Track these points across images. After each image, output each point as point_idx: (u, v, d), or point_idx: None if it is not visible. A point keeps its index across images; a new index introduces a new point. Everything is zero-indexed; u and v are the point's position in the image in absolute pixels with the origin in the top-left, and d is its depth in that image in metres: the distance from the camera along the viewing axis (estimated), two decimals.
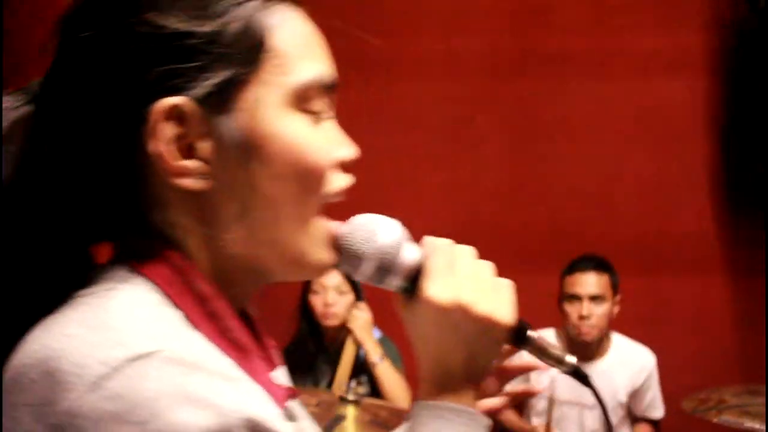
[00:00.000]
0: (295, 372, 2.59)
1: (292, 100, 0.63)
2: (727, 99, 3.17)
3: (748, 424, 1.83)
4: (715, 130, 3.21)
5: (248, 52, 0.61)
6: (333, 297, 2.59)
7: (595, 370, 2.74)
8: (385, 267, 0.70)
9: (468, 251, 0.74)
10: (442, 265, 0.70)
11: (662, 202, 3.23)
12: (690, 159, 3.22)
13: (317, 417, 1.79)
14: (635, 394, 2.77)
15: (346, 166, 0.70)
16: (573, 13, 3.23)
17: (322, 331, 2.69)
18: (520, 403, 2.82)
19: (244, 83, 0.61)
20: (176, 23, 0.58)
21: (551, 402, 2.56)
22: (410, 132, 3.27)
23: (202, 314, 0.60)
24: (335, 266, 0.71)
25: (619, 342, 2.81)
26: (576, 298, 2.66)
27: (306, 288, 2.68)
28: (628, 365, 2.76)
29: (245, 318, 0.73)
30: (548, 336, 2.84)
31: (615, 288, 2.72)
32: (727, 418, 1.95)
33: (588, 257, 2.74)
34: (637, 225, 3.22)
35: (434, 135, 3.27)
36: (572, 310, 2.67)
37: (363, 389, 1.96)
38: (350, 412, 1.87)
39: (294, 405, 0.76)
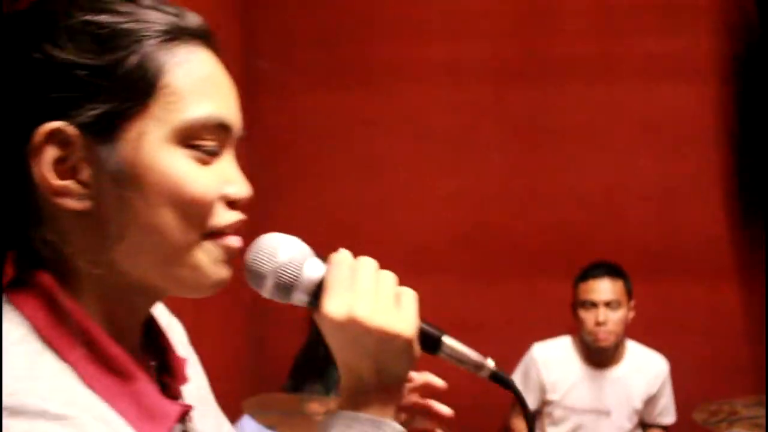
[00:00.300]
0: (305, 379, 2.71)
1: (179, 137, 0.66)
2: (737, 104, 3.12)
3: None
4: (724, 134, 3.16)
5: (139, 86, 0.64)
6: None
7: (611, 377, 2.76)
8: (286, 284, 0.73)
9: (370, 263, 0.75)
10: (340, 280, 0.72)
11: (672, 208, 3.19)
12: (699, 164, 3.18)
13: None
14: (649, 401, 2.77)
15: (237, 204, 0.72)
16: (579, 19, 3.21)
17: None
18: (537, 411, 2.84)
19: (131, 116, 0.64)
20: (68, 54, 0.63)
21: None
22: (415, 139, 3.28)
23: (72, 343, 0.63)
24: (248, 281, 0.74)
25: (633, 349, 2.82)
26: (591, 304, 2.66)
27: None
28: (643, 372, 2.77)
29: (150, 332, 0.78)
30: (564, 344, 2.86)
31: (629, 293, 2.73)
32: (738, 431, 1.94)
33: (601, 264, 2.75)
34: (647, 231, 3.19)
35: (440, 142, 3.27)
36: (588, 316, 2.67)
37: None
38: None
39: (191, 425, 0.78)
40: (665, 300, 3.17)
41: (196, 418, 0.80)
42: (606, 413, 2.73)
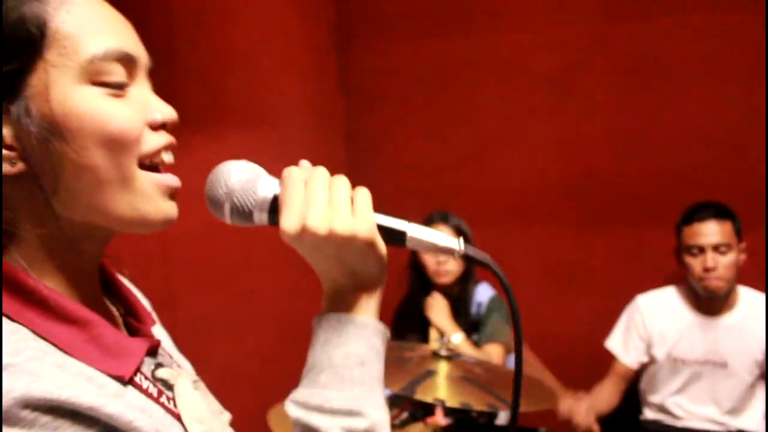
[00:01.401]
0: (406, 330, 2.81)
1: (84, 77, 0.67)
2: None
3: None
4: None
5: (26, 40, 0.65)
6: (443, 257, 2.59)
7: (724, 324, 2.59)
8: (242, 206, 0.76)
9: (321, 174, 0.76)
10: (292, 195, 0.75)
11: None
12: None
13: (412, 371, 1.84)
14: None
15: (165, 127, 0.74)
16: None
17: (435, 288, 2.73)
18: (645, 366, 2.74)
19: (29, 70, 0.66)
20: None
21: None
22: (517, 84, 3.17)
23: (22, 306, 0.67)
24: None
25: (747, 294, 2.61)
26: (698, 249, 2.50)
27: (415, 252, 2.74)
28: (760, 318, 2.54)
29: (106, 279, 0.83)
30: (669, 294, 2.72)
31: (739, 235, 2.52)
32: None
33: (706, 204, 2.56)
34: None
35: (543, 86, 3.14)
36: (695, 263, 2.51)
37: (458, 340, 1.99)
38: (442, 367, 1.86)
39: (167, 360, 0.82)
40: None
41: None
42: (722, 364, 2.56)
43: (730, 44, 2.95)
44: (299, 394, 0.78)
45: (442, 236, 0.80)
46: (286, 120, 2.93)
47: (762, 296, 2.63)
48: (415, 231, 0.80)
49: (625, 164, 3.08)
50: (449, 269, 2.68)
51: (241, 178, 0.76)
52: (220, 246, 2.36)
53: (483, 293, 2.80)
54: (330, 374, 0.77)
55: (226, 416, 0.87)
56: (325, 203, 0.74)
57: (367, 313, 0.80)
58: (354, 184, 0.79)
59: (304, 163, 0.79)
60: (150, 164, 0.73)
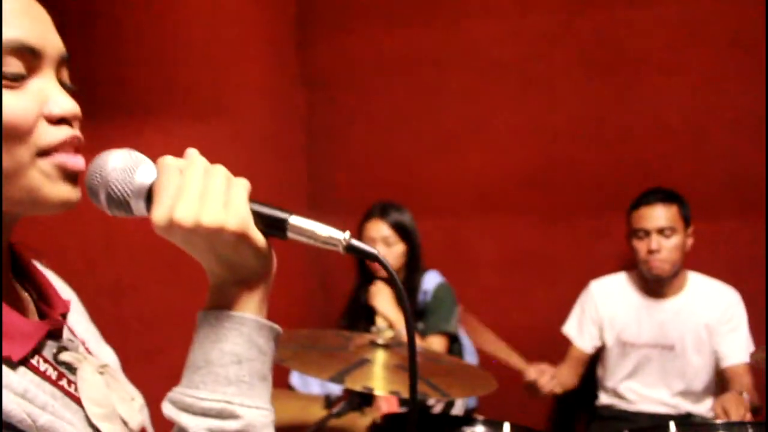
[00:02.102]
0: (355, 321, 2.82)
1: None
2: None
3: None
4: None
5: None
6: (381, 249, 2.64)
7: (670, 308, 2.62)
8: (118, 195, 0.75)
9: (198, 163, 0.75)
10: (165, 185, 0.74)
11: (760, 134, 2.88)
12: None
13: (347, 360, 1.83)
14: (720, 337, 2.56)
15: (65, 121, 0.73)
16: None
17: (379, 279, 2.73)
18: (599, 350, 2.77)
19: None
20: None
21: None
22: (481, 74, 3.15)
23: None
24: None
25: (696, 279, 2.65)
26: (644, 232, 2.54)
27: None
28: (707, 302, 2.59)
29: (19, 264, 0.83)
30: (620, 279, 2.75)
31: (686, 220, 2.56)
32: None
33: (654, 189, 2.60)
34: (733, 162, 2.91)
35: (506, 76, 3.13)
36: (641, 245, 2.55)
37: (391, 334, 1.94)
38: (379, 356, 1.85)
39: (70, 346, 0.82)
40: (751, 235, 2.91)
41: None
42: (669, 347, 2.59)
43: (689, 35, 2.95)
44: (174, 393, 0.77)
45: (324, 228, 0.77)
46: (243, 111, 2.91)
47: (710, 281, 2.66)
48: (296, 221, 0.78)
49: (586, 153, 3.07)
50: (390, 260, 2.66)
51: (117, 166, 0.75)
52: None
53: (430, 281, 2.80)
54: (204, 373, 0.76)
55: (138, 402, 0.87)
56: (197, 194, 0.73)
57: (248, 308, 0.79)
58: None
59: (191, 152, 0.77)
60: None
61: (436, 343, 2.65)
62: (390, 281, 0.70)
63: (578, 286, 2.84)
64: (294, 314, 3.16)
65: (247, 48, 2.99)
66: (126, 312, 2.27)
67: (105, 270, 2.25)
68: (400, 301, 0.84)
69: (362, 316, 2.71)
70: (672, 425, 1.67)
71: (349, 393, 1.94)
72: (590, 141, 3.08)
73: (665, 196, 2.57)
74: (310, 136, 3.29)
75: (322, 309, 3.43)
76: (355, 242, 0.78)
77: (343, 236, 0.77)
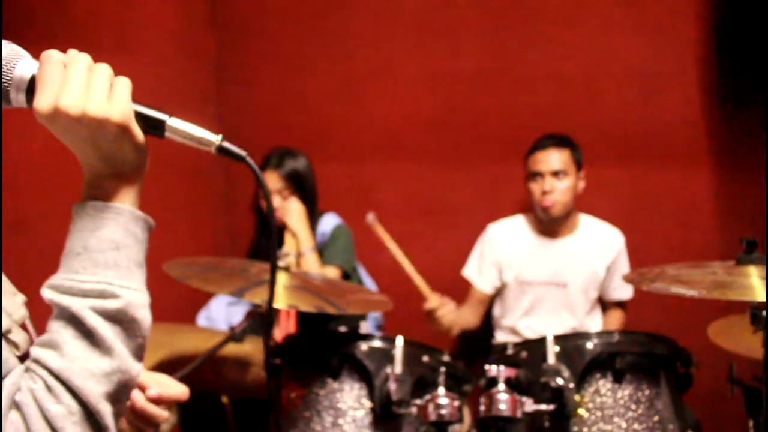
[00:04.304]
0: (258, 256, 2.85)
1: None
2: None
3: (675, 289, 1.83)
4: (707, 11, 3.00)
5: None
6: (277, 201, 2.72)
7: (563, 247, 2.76)
8: None
9: (81, 57, 0.79)
10: (49, 75, 0.76)
11: (649, 89, 3.08)
12: (679, 44, 3.05)
13: (247, 279, 1.88)
14: (606, 274, 2.75)
15: None
16: None
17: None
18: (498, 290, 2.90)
19: None
20: None
21: None
22: (387, 21, 3.21)
23: None
24: None
25: (587, 221, 2.82)
26: (539, 175, 2.67)
27: (256, 193, 2.82)
28: (597, 243, 2.77)
29: None
30: (517, 221, 2.87)
31: (578, 164, 2.71)
32: (658, 286, 1.95)
33: (549, 135, 2.74)
34: (623, 112, 3.10)
35: (412, 24, 3.20)
36: (536, 187, 2.68)
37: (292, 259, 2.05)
38: (280, 277, 1.89)
39: None
40: (640, 182, 3.12)
41: None
42: (563, 285, 2.74)
43: None
44: (54, 279, 0.80)
45: (200, 129, 0.84)
46: (149, 51, 2.87)
47: (600, 222, 2.83)
48: (174, 122, 0.83)
49: (487, 101, 3.18)
50: (285, 211, 2.72)
51: None
52: (71, 170, 2.31)
53: (328, 223, 2.88)
54: (83, 258, 0.79)
55: (21, 297, 0.88)
56: (82, 86, 0.76)
57: (125, 200, 0.82)
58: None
59: (73, 51, 0.80)
60: None
61: (331, 271, 2.72)
62: (258, 183, 0.77)
63: (480, 230, 2.94)
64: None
65: None
66: (30, 247, 2.23)
67: (6, 205, 2.20)
68: (259, 183, 0.90)
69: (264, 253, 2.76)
70: (549, 335, 1.80)
71: (250, 315, 1.98)
72: (490, 89, 3.19)
73: (559, 140, 2.71)
74: (220, 78, 3.28)
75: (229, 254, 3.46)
76: (226, 144, 0.85)
77: (215, 138, 0.84)
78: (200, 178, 3.23)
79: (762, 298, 1.60)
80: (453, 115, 3.22)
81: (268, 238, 0.81)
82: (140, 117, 0.82)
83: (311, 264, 2.64)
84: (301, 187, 2.77)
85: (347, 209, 3.03)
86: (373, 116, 3.26)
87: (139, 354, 0.81)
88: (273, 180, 2.72)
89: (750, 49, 2.93)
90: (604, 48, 3.10)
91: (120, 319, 0.78)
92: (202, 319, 2.96)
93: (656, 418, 1.75)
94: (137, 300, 0.80)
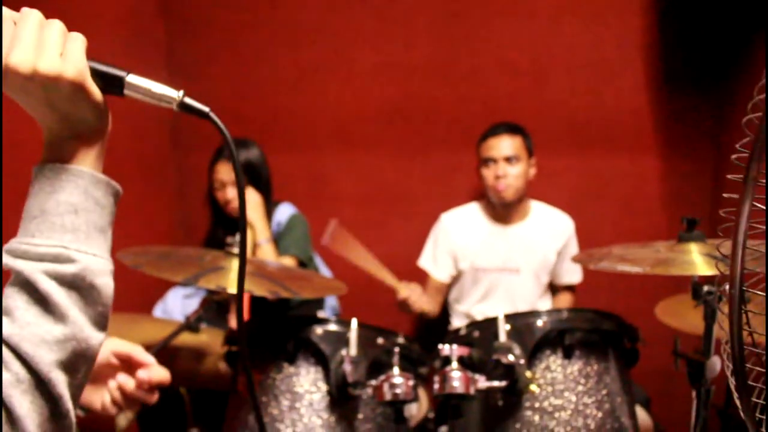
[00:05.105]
0: (218, 238, 2.83)
1: None
2: None
3: (621, 267, 1.87)
4: (652, 1, 3.08)
5: None
6: (232, 192, 2.72)
7: (516, 233, 2.82)
8: None
9: (33, 15, 0.76)
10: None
11: (596, 77, 3.16)
12: (626, 33, 3.14)
13: (202, 266, 1.86)
14: (556, 260, 2.82)
15: None
16: None
17: (231, 220, 2.81)
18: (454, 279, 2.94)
19: None
20: None
21: None
22: (341, 8, 3.23)
23: None
24: None
25: (539, 207, 2.88)
26: (492, 161, 2.72)
27: (210, 186, 2.82)
28: (548, 228, 2.83)
29: None
30: (471, 209, 2.92)
31: (530, 150, 2.77)
32: (604, 264, 2.00)
33: (500, 123, 2.79)
34: (571, 100, 3.18)
35: (365, 10, 3.23)
36: (488, 173, 2.73)
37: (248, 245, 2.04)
38: (233, 263, 1.90)
39: None
40: (589, 169, 3.20)
41: None
42: (516, 270, 2.79)
43: None
44: (10, 243, 0.77)
45: (161, 86, 0.81)
46: (95, 40, 2.82)
47: (551, 209, 2.88)
48: (133, 78, 0.81)
49: (440, 91, 3.23)
50: (237, 206, 2.71)
51: None
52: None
53: (283, 213, 2.89)
54: (40, 222, 0.77)
55: None
56: (33, 43, 0.73)
57: (85, 162, 0.80)
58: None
59: (25, 8, 0.78)
60: None
61: (287, 261, 2.73)
62: (224, 139, 0.74)
63: (434, 219, 2.99)
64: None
65: None
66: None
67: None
68: (228, 147, 0.89)
69: (226, 228, 2.76)
70: (500, 314, 1.84)
71: (205, 303, 1.98)
72: (444, 79, 3.23)
73: (510, 128, 2.76)
74: (171, 71, 3.25)
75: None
76: (188, 100, 0.83)
77: (177, 94, 0.82)
78: (153, 171, 3.21)
79: (702, 273, 1.67)
80: (407, 104, 3.25)
81: (240, 203, 0.77)
82: (97, 75, 0.79)
83: (267, 254, 2.65)
84: (255, 177, 2.77)
85: (303, 199, 3.04)
86: (327, 106, 3.27)
87: (100, 322, 0.78)
88: (226, 171, 2.71)
89: (694, 37, 3.03)
90: (552, 37, 3.17)
91: (77, 284, 0.76)
92: (158, 312, 2.94)
93: (605, 392, 1.80)
94: (97, 266, 0.78)
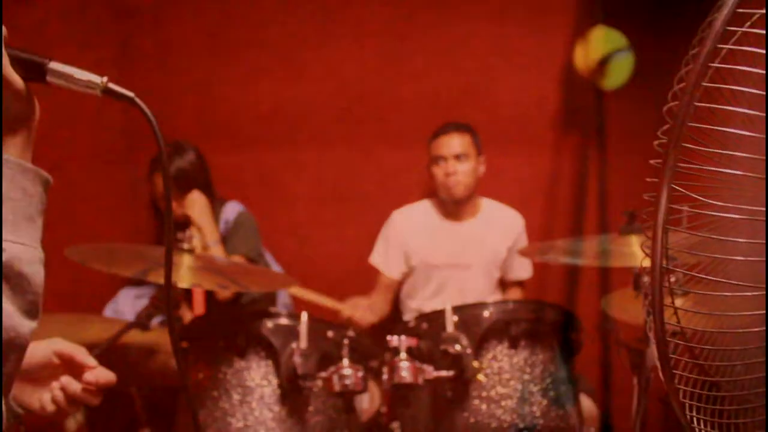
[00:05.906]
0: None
1: None
2: None
3: (565, 259, 1.91)
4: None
5: None
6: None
7: (467, 230, 2.86)
8: None
9: None
10: None
11: (538, 77, 3.23)
12: (563, 30, 3.20)
13: (150, 261, 1.88)
14: (509, 256, 2.85)
15: None
16: None
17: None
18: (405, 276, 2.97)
19: None
20: None
21: None
22: (289, 7, 3.24)
23: None
24: None
25: (489, 204, 2.93)
26: (442, 159, 2.76)
27: (153, 191, 2.83)
28: (498, 225, 2.89)
29: None
30: (422, 206, 2.95)
31: (478, 148, 2.82)
32: (550, 257, 2.04)
33: (450, 122, 2.84)
34: (516, 100, 3.22)
35: (313, 9, 3.24)
36: (439, 170, 2.78)
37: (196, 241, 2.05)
38: (184, 259, 1.91)
39: None
40: (535, 168, 3.26)
41: None
42: (466, 266, 2.83)
43: None
44: None
45: (83, 72, 0.82)
46: (42, 38, 2.78)
47: (501, 206, 2.94)
48: (55, 65, 0.81)
49: (391, 90, 3.25)
50: (188, 204, 2.73)
51: None
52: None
53: (230, 211, 2.89)
54: None
55: None
56: None
57: (10, 151, 0.79)
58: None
59: None
60: None
61: (236, 260, 2.72)
62: (151, 127, 0.76)
63: (386, 217, 3.01)
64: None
65: None
66: None
67: None
68: (155, 134, 0.90)
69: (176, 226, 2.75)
70: (448, 306, 1.88)
71: (154, 300, 1.98)
72: (394, 78, 3.26)
73: (459, 126, 2.82)
74: (121, 68, 3.21)
75: None
76: (112, 85, 0.83)
77: (100, 80, 0.83)
78: (104, 172, 3.16)
79: (643, 265, 1.73)
80: (357, 102, 3.27)
81: (166, 208, 0.79)
82: (18, 63, 0.79)
83: (216, 255, 2.64)
84: (192, 182, 2.76)
85: (253, 197, 3.04)
86: (279, 105, 3.27)
87: (30, 311, 0.78)
88: (161, 182, 2.71)
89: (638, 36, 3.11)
90: (500, 39, 3.22)
91: (5, 273, 0.75)
92: (109, 312, 2.91)
93: (550, 380, 1.86)
94: (25, 255, 0.77)
